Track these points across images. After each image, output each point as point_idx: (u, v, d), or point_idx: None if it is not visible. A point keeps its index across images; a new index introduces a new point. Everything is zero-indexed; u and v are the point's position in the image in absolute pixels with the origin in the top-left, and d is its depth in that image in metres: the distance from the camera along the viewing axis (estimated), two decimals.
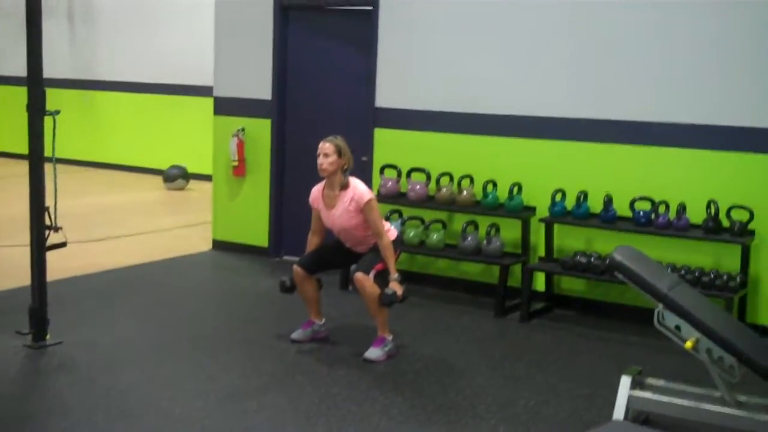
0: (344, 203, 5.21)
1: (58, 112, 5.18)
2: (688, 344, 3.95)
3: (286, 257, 7.67)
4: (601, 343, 5.68)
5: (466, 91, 6.65)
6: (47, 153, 5.16)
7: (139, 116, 12.81)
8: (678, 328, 4.01)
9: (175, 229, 8.93)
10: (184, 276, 7.23)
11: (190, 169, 11.68)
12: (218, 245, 7.95)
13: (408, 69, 6.83)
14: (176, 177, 11.46)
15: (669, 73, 5.94)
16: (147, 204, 10.54)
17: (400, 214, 6.65)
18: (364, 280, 5.15)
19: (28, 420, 4.21)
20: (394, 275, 5.17)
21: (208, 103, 12.06)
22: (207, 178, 11.81)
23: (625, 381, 4.14)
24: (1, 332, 5.35)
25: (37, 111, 5.11)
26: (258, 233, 7.73)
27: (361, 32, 7.07)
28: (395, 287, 5.12)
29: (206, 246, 8.02)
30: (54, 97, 6.04)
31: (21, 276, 6.26)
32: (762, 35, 5.65)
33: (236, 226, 7.86)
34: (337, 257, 5.52)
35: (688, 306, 3.99)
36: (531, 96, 6.40)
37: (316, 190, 5.40)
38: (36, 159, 5.13)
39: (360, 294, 5.23)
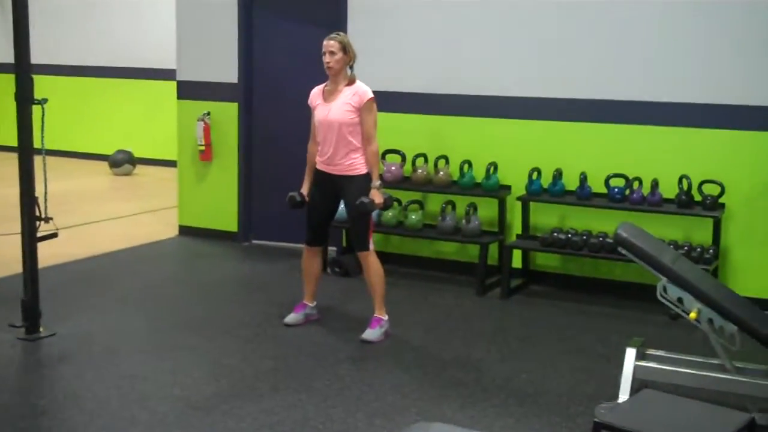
0: (346, 96, 5.20)
1: (45, 101, 5.09)
2: (692, 315, 4.14)
3: (255, 241, 7.67)
4: (583, 317, 5.87)
5: (439, 73, 6.73)
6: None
7: (79, 101, 12.51)
8: (680, 300, 4.20)
9: (134, 215, 8.79)
10: (158, 262, 7.18)
11: (136, 154, 11.49)
12: (185, 231, 7.89)
13: (379, 51, 6.84)
14: (123, 162, 11.27)
15: (641, 53, 6.12)
16: (98, 190, 10.34)
17: None
18: (367, 256, 5.28)
19: (44, 414, 4.15)
20: (376, 183, 5.25)
21: (150, 85, 11.92)
22: (153, 162, 11.70)
23: (630, 353, 4.32)
24: None
25: (25, 100, 5.01)
26: (226, 218, 7.69)
27: (329, 14, 7.07)
28: (375, 195, 5.20)
29: (172, 232, 7.95)
30: None
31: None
32: (730, 16, 5.87)
33: (204, 211, 7.81)
34: (324, 203, 5.38)
35: (691, 279, 4.19)
36: (505, 76, 6.52)
37: (317, 88, 5.38)
38: (25, 149, 5.04)
39: (365, 271, 5.35)
